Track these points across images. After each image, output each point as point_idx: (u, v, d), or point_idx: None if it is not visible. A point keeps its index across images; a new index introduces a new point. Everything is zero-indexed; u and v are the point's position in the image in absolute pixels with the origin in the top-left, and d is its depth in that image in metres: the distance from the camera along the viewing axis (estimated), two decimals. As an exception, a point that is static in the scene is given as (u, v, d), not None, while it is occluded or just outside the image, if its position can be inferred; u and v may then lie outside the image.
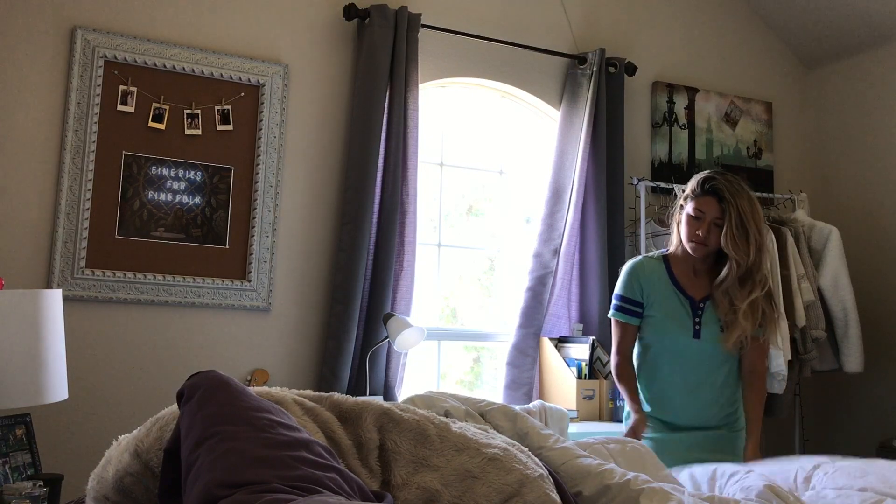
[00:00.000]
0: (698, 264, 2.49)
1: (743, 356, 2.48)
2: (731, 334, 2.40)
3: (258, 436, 1.12)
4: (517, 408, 1.92)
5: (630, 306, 2.50)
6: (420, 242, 3.30)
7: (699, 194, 2.41)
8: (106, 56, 2.90)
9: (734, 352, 2.46)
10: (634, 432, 2.40)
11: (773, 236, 3.68)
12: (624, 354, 2.52)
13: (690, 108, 4.05)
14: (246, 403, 1.20)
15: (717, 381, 2.47)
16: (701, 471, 2.02)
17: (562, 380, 3.37)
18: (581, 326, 3.54)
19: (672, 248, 2.53)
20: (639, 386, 2.55)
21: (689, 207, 2.43)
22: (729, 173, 2.46)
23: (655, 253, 2.61)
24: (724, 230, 2.35)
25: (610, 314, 2.56)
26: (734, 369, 2.50)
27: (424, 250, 3.44)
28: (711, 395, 2.46)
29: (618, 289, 2.55)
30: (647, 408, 2.50)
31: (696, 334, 2.46)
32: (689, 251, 2.43)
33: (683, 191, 2.50)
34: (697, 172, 2.51)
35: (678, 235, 2.49)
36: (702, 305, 2.47)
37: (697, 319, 2.46)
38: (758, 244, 2.36)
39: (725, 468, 1.99)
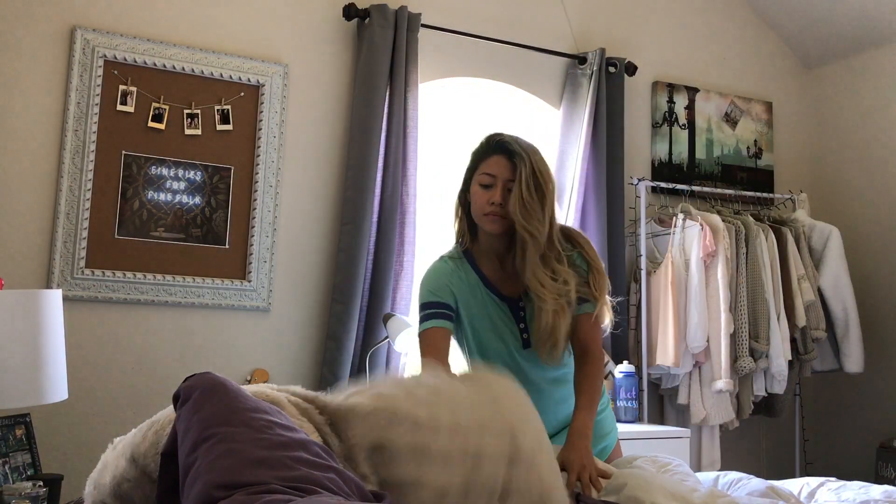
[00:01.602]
0: (501, 254, 2.00)
1: (572, 334, 1.95)
2: (541, 347, 1.89)
3: (256, 436, 1.12)
4: None
5: (439, 310, 1.95)
6: (420, 242, 3.30)
7: (487, 153, 1.97)
8: (105, 56, 2.90)
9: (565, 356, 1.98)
10: None
11: (773, 236, 3.68)
12: (442, 361, 1.91)
13: (691, 108, 4.05)
14: (243, 404, 1.20)
15: (558, 394, 2.03)
16: (703, 479, 2.05)
17: (562, 380, 3.36)
18: (581, 326, 3.53)
19: (464, 241, 2.03)
20: None
21: (476, 176, 1.96)
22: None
23: (449, 251, 2.06)
24: (513, 194, 1.87)
25: (418, 331, 1.97)
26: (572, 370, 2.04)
27: (425, 250, 3.44)
28: (553, 411, 2.01)
29: (420, 299, 2.00)
30: None
31: (526, 343, 1.98)
32: (487, 228, 1.94)
33: (467, 164, 2.03)
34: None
35: (467, 217, 2.01)
36: (522, 305, 1.99)
37: (522, 325, 1.98)
38: (552, 209, 1.92)
39: (730, 475, 2.03)
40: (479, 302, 1.98)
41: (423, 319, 1.96)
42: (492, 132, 2.03)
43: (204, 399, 1.19)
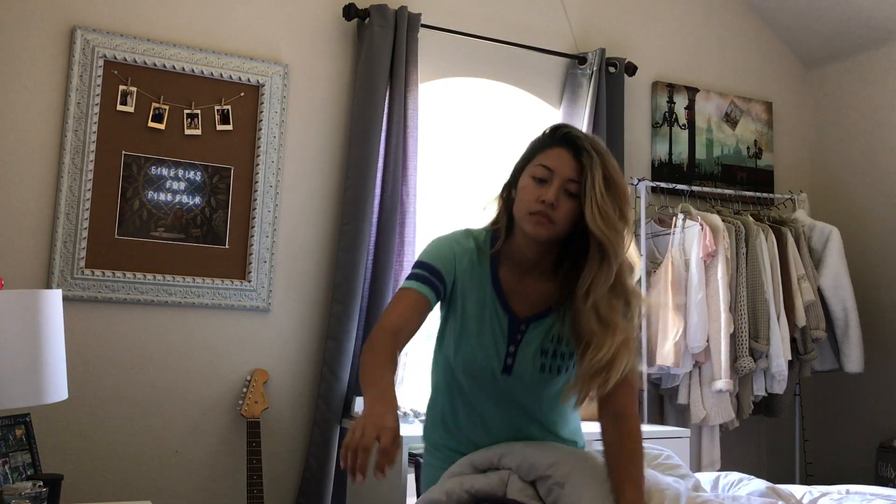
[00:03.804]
0: (527, 265, 1.69)
1: (604, 396, 1.61)
2: (588, 382, 1.55)
3: None
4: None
5: (432, 277, 1.66)
6: (420, 242, 3.30)
7: (548, 143, 1.64)
8: (105, 56, 2.90)
9: (575, 403, 1.65)
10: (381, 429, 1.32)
11: (773, 236, 3.68)
12: (395, 326, 1.58)
13: (691, 108, 4.05)
14: None
15: (528, 431, 1.74)
16: (704, 479, 2.05)
17: (562, 380, 3.36)
18: (581, 326, 3.53)
19: (497, 243, 1.70)
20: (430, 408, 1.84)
21: (530, 168, 1.63)
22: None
23: (478, 230, 1.75)
24: (587, 199, 1.53)
25: (402, 284, 1.69)
26: (558, 423, 1.76)
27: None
28: (513, 431, 1.74)
29: (420, 255, 1.72)
30: (428, 428, 1.84)
31: (507, 369, 1.68)
32: (528, 230, 1.61)
33: (523, 153, 1.70)
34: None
35: (507, 214, 1.69)
36: (523, 328, 1.68)
37: (512, 348, 1.68)
38: (629, 229, 1.58)
39: (731, 475, 2.03)
40: (480, 300, 1.69)
41: (409, 276, 1.67)
42: (558, 123, 1.72)
43: None
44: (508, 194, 1.69)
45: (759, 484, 1.91)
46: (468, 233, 1.74)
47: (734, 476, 2.08)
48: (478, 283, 1.69)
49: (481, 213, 1.76)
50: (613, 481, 1.55)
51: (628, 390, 1.62)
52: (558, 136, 1.63)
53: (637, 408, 1.68)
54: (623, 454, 1.58)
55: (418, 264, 1.69)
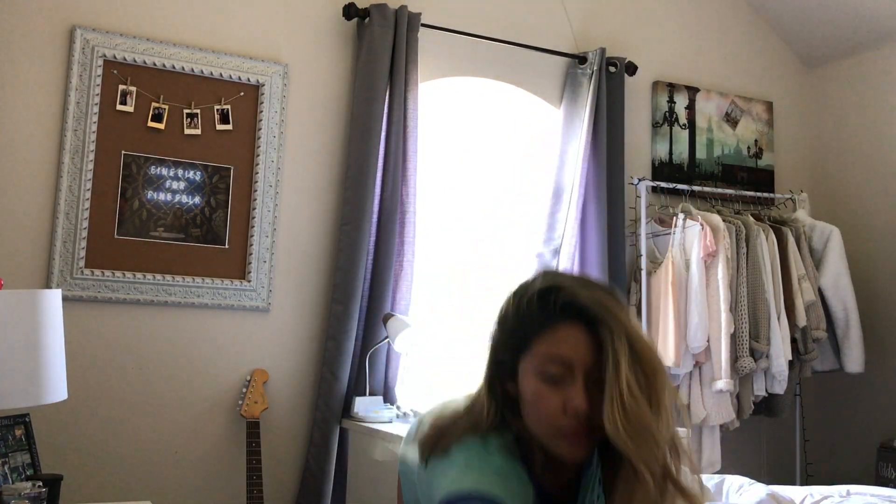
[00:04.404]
0: (569, 473, 1.23)
1: None
2: None
3: None
4: None
5: None
6: (420, 242, 3.30)
7: (549, 319, 1.15)
8: (105, 55, 2.90)
9: None
10: None
11: (773, 236, 3.68)
12: None
13: (691, 108, 4.05)
14: None
15: None
16: (707, 482, 2.06)
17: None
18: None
19: (535, 463, 1.20)
20: None
21: (531, 359, 1.16)
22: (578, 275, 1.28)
23: (512, 449, 1.19)
24: (608, 394, 1.08)
25: None
26: None
27: (424, 250, 3.43)
28: None
29: (486, 488, 1.11)
30: None
31: None
32: (563, 454, 1.15)
33: (498, 328, 1.22)
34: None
35: (512, 415, 1.21)
36: None
37: None
38: (668, 418, 1.12)
39: (733, 480, 2.03)
40: None
41: None
42: (543, 284, 1.18)
43: None
44: (502, 391, 1.21)
45: (760, 491, 1.90)
46: (513, 466, 1.17)
47: (735, 481, 2.08)
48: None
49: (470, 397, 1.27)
50: None
51: None
52: (558, 309, 1.14)
53: None
54: None
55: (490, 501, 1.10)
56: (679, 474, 1.12)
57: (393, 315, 3.08)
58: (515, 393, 1.19)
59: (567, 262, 3.52)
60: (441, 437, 1.20)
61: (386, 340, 3.08)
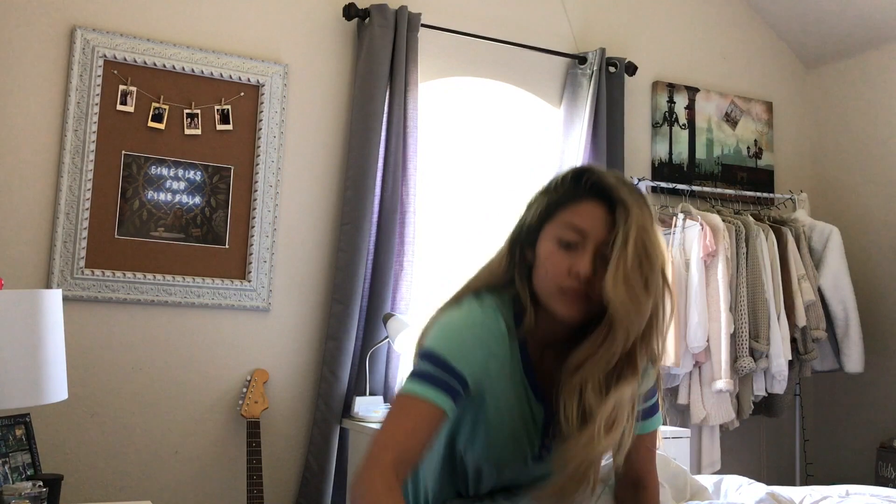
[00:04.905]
0: (557, 343, 1.36)
1: (621, 460, 1.36)
2: (569, 463, 1.27)
3: None
4: None
5: (454, 382, 1.25)
6: (420, 242, 3.30)
7: (574, 195, 1.31)
8: (105, 56, 2.90)
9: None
10: None
11: (773, 236, 3.68)
12: (396, 459, 1.18)
13: (691, 108, 4.05)
14: None
15: None
16: (706, 482, 2.06)
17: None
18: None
19: (527, 322, 1.34)
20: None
21: (552, 227, 1.31)
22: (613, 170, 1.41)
23: (503, 304, 1.36)
24: (613, 262, 1.22)
25: (406, 387, 1.26)
26: None
27: (425, 250, 3.44)
28: None
29: (435, 344, 1.30)
30: None
31: (540, 457, 1.39)
32: (559, 311, 1.29)
33: (534, 199, 1.38)
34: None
35: (521, 280, 1.36)
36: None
37: (548, 441, 1.38)
38: (656, 295, 1.26)
39: (732, 480, 2.04)
40: (511, 393, 1.34)
41: (422, 376, 1.25)
42: (580, 166, 1.39)
43: None
44: (521, 255, 1.35)
45: (759, 491, 1.91)
46: (495, 311, 1.33)
47: (735, 481, 2.08)
48: (508, 375, 1.33)
49: (482, 263, 1.45)
50: None
51: (646, 454, 1.39)
52: (587, 186, 1.29)
53: (656, 472, 1.45)
54: None
55: (435, 360, 1.26)
56: (648, 344, 1.28)
57: (393, 315, 3.08)
58: (531, 259, 1.34)
59: (567, 262, 3.52)
60: (458, 291, 1.42)
61: (386, 340, 3.08)
